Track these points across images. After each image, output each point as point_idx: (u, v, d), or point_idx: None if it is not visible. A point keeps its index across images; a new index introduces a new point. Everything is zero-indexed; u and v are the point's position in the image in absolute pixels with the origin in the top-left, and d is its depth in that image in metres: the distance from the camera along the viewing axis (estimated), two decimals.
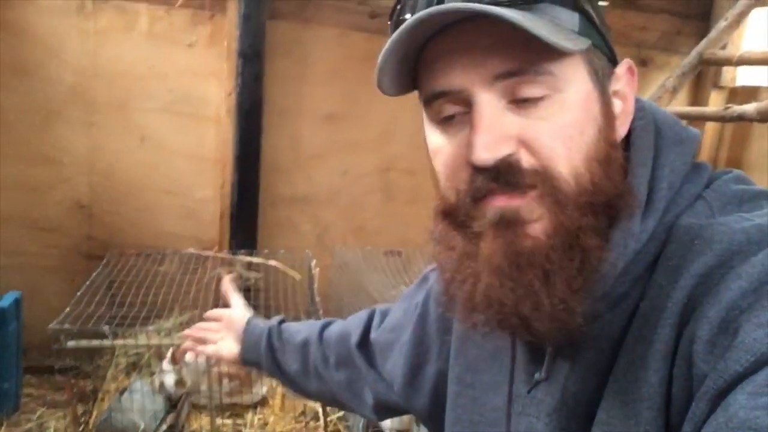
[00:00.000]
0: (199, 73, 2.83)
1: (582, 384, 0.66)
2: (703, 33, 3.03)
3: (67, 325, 1.84)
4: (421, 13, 0.57)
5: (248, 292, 2.48)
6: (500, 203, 0.60)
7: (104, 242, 2.79)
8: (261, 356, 1.11)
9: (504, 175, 0.58)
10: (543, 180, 0.58)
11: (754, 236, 0.57)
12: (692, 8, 3.44)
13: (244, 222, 2.92)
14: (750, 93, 3.56)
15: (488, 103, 0.59)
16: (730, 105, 3.05)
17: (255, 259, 2.62)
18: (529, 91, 0.58)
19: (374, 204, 3.15)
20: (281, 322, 1.14)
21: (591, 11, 0.60)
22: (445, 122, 0.63)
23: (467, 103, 0.60)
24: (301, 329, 1.11)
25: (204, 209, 2.92)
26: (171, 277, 2.43)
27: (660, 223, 0.62)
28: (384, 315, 1.01)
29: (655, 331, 0.59)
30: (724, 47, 2.97)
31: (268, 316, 2.32)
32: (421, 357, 0.91)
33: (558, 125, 0.58)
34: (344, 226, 3.12)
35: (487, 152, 0.57)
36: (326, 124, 3.01)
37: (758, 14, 3.14)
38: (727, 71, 3.59)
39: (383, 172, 3.12)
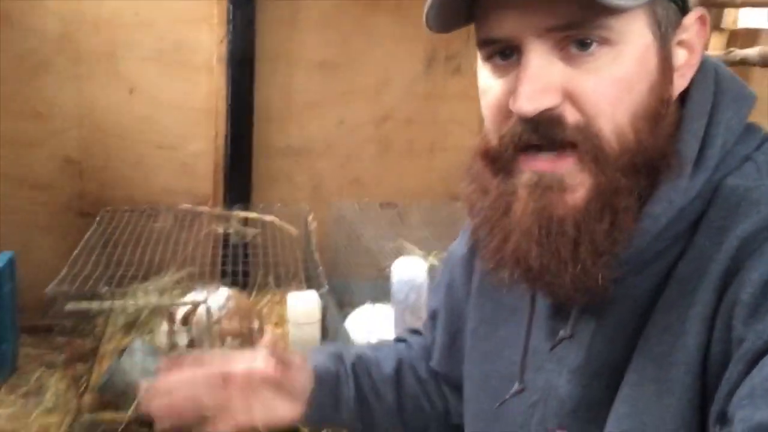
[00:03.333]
0: (189, 19, 2.72)
1: (608, 343, 0.66)
2: None
3: (64, 288, 1.82)
4: None
5: (246, 249, 2.46)
6: (540, 167, 0.59)
7: (96, 198, 2.73)
8: (342, 401, 0.95)
9: (545, 128, 0.58)
10: (585, 137, 0.58)
11: None
12: None
13: (238, 175, 2.87)
14: (752, 36, 3.49)
15: (537, 53, 0.58)
16: (732, 48, 2.99)
17: (250, 215, 2.59)
18: (581, 43, 0.57)
19: (370, 155, 3.09)
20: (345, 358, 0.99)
21: None
22: (496, 64, 0.62)
23: (518, 51, 0.59)
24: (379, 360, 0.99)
25: (197, 163, 2.85)
26: (167, 234, 2.39)
27: (708, 182, 0.61)
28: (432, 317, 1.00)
29: (695, 294, 0.58)
30: None
31: (266, 274, 2.28)
32: (455, 324, 0.92)
33: (606, 80, 0.57)
34: (340, 177, 3.08)
35: (530, 103, 0.57)
36: (320, 71, 2.92)
37: None
38: (728, 13, 3.50)
39: (380, 122, 3.05)
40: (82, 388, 2.00)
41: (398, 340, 1.08)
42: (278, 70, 2.88)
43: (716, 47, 3.63)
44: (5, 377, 2.21)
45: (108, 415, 1.92)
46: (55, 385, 2.20)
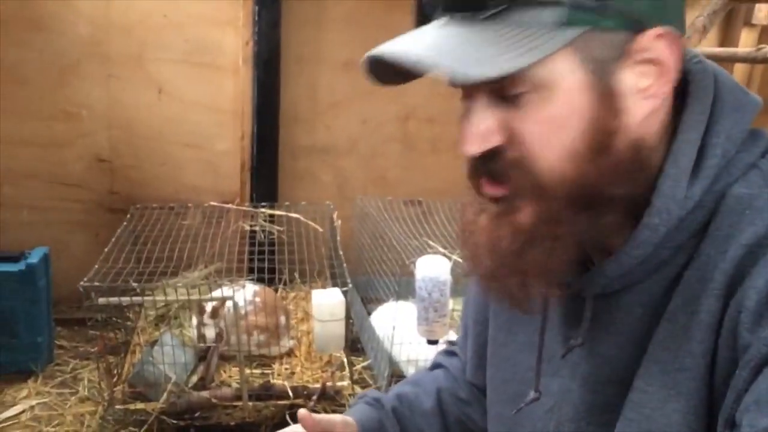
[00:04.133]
0: (215, 21, 2.77)
1: (618, 350, 0.67)
2: None
3: (97, 282, 1.87)
4: (365, 59, 0.66)
5: (272, 246, 2.50)
6: (489, 190, 0.64)
7: (126, 196, 2.80)
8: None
9: (488, 163, 0.63)
10: (521, 172, 0.61)
11: None
12: None
13: (264, 174, 2.91)
14: None
15: (479, 101, 0.62)
16: (762, 45, 2.95)
17: (277, 212, 2.63)
18: (513, 89, 0.59)
19: (394, 153, 3.12)
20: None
21: None
22: (464, 98, 0.66)
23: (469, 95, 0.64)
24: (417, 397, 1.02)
25: (224, 162, 2.90)
26: (195, 231, 2.44)
27: (709, 191, 0.61)
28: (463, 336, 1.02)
29: (700, 301, 0.59)
30: None
31: (291, 270, 2.30)
32: (482, 335, 0.94)
33: (537, 122, 0.60)
34: (364, 176, 3.11)
35: (470, 147, 0.63)
36: (345, 71, 2.95)
37: None
38: (759, 8, 3.45)
39: (403, 121, 3.08)
40: (115, 379, 2.06)
41: (435, 366, 1.09)
42: (303, 71, 2.92)
43: (747, 44, 3.59)
44: (42, 368, 2.28)
45: (139, 406, 1.98)
46: (89, 376, 2.26)
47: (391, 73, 0.65)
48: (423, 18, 0.68)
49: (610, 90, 0.59)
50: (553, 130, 0.59)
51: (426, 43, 0.60)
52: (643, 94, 0.60)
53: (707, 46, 3.10)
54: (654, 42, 0.59)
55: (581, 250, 0.66)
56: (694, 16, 3.04)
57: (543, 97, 0.59)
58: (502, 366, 0.85)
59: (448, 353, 1.10)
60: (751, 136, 0.64)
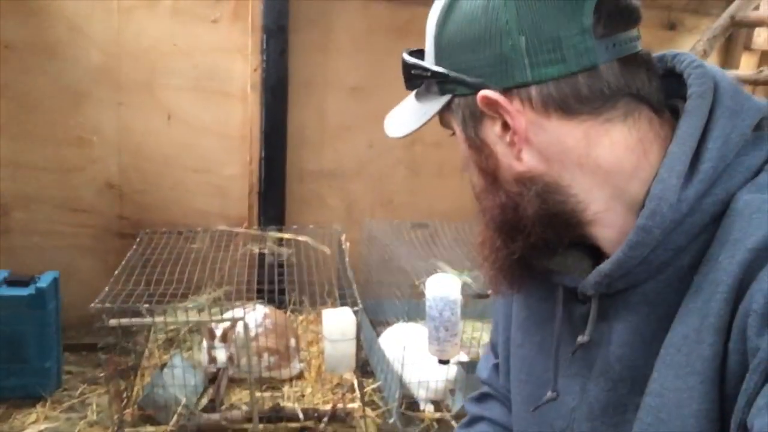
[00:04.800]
0: (224, 49, 2.82)
1: (628, 349, 0.68)
2: None
3: (107, 305, 1.87)
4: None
5: (281, 268, 2.50)
6: None
7: (136, 221, 2.81)
8: None
9: None
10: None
11: None
12: None
13: (272, 198, 2.93)
14: None
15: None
16: (763, 68, 2.99)
17: (285, 235, 2.64)
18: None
19: (401, 177, 3.14)
20: None
21: (447, 69, 0.69)
22: None
23: None
24: None
25: (232, 186, 2.93)
26: (204, 255, 2.45)
27: (707, 195, 0.62)
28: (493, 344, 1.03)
29: (709, 305, 0.59)
30: (756, 8, 2.90)
31: (301, 292, 2.30)
32: (508, 342, 0.93)
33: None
34: (371, 199, 3.12)
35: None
36: (351, 96, 2.99)
37: None
38: (759, 33, 3.50)
39: (409, 145, 3.11)
40: (124, 402, 2.05)
41: (474, 419, 1.04)
42: (311, 96, 2.96)
43: (747, 68, 3.63)
44: (50, 393, 2.27)
45: (149, 429, 1.97)
46: (97, 400, 2.25)
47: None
48: None
49: (478, 141, 0.70)
50: (464, 168, 0.75)
51: (395, 113, 0.80)
52: (506, 140, 0.68)
53: None
54: (484, 105, 0.67)
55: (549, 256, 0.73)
56: (694, 41, 3.08)
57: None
58: (519, 367, 0.86)
59: (481, 397, 1.05)
60: (754, 140, 0.64)
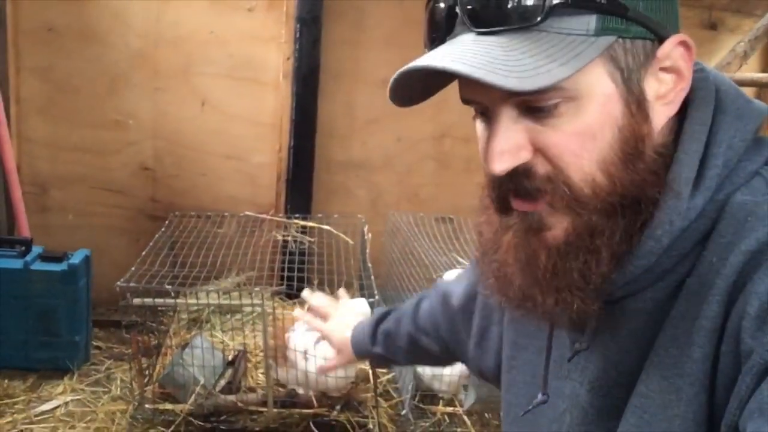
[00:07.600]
0: (259, 37, 2.87)
1: (624, 355, 0.68)
2: None
3: (133, 284, 1.94)
4: (397, 74, 0.64)
5: (303, 256, 2.55)
6: (523, 207, 0.63)
7: (167, 204, 2.89)
8: (368, 335, 1.15)
9: (517, 179, 0.62)
10: (554, 186, 0.61)
11: None
12: None
13: (300, 186, 2.98)
14: None
15: (504, 116, 0.61)
16: None
17: (309, 223, 2.68)
18: (545, 101, 0.59)
19: (428, 171, 3.15)
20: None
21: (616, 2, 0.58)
22: (480, 120, 0.67)
23: (491, 113, 0.63)
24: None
25: (261, 174, 2.98)
26: (229, 239, 2.51)
27: (711, 201, 0.62)
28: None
29: (701, 307, 0.59)
30: None
31: (321, 280, 2.34)
32: (487, 319, 0.94)
33: (569, 133, 0.59)
34: (398, 192, 3.15)
35: (498, 164, 0.61)
36: (382, 89, 2.96)
37: None
38: None
39: (438, 140, 3.11)
40: (146, 380, 2.12)
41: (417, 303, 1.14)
42: (341, 88, 2.99)
43: None
44: (78, 366, 2.37)
45: (167, 406, 2.04)
46: (122, 376, 2.34)
47: (418, 89, 0.67)
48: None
49: (639, 97, 0.60)
50: (585, 141, 0.59)
51: (472, 56, 0.58)
52: (663, 101, 0.62)
53: (748, 71, 3.05)
54: (674, 49, 0.61)
55: (617, 261, 0.64)
56: (735, 42, 3.01)
57: (575, 108, 0.58)
58: (521, 369, 0.86)
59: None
60: (755, 143, 0.64)
